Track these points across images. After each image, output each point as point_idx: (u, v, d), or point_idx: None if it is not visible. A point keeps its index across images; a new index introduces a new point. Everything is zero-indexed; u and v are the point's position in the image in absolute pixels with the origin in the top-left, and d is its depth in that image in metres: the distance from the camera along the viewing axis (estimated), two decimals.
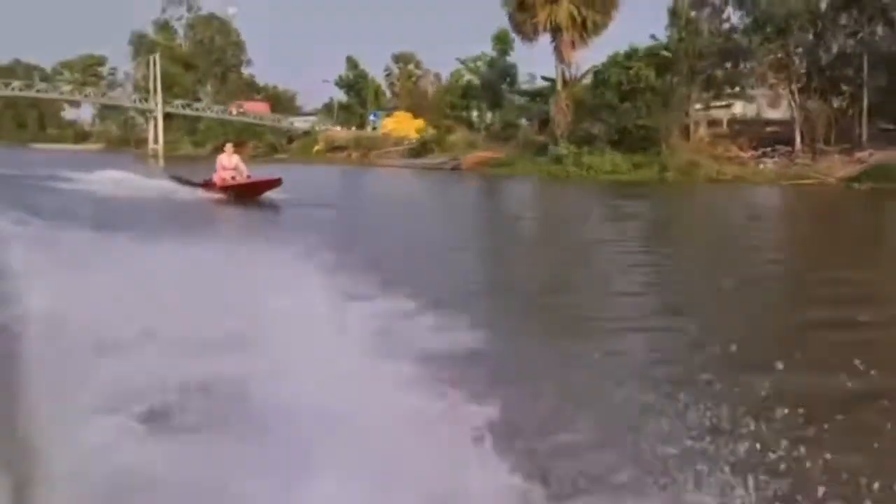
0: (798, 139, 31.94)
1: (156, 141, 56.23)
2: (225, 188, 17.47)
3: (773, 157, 32.55)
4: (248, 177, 17.98)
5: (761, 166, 31.27)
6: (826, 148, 31.19)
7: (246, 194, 17.31)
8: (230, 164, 17.95)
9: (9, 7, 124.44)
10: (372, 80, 67.39)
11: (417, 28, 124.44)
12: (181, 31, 70.52)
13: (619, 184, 28.93)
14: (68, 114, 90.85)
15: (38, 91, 65.26)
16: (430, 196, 24.78)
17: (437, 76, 69.52)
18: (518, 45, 41.55)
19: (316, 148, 51.59)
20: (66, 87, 69.96)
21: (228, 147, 18.74)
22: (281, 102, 75.56)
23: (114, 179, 19.00)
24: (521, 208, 21.20)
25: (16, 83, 62.55)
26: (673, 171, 29.70)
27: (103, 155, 50.66)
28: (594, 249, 11.90)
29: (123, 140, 70.02)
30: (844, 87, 31.13)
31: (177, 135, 61.62)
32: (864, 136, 29.95)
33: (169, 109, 57.13)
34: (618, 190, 26.27)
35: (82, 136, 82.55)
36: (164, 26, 70.00)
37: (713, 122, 36.98)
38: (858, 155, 29.34)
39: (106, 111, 79.60)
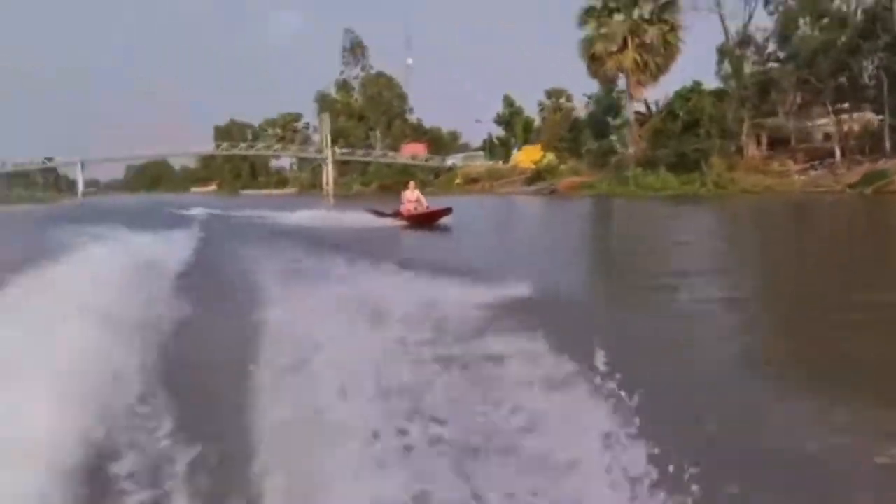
0: (838, 152, 37.58)
1: (327, 183, 70.95)
2: (410, 217, 21.44)
3: (817, 169, 38.34)
4: (427, 207, 21.85)
5: (796, 177, 37.34)
6: (861, 158, 36.61)
7: (426, 221, 21.17)
8: (413, 198, 22.00)
9: (224, 75, 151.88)
10: (525, 117, 77.68)
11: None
12: (356, 88, 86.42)
13: (664, 198, 36.62)
14: (275, 163, 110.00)
15: (237, 149, 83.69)
16: (495, 211, 34.48)
17: None
18: None
19: (456, 181, 62.73)
20: (263, 144, 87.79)
21: (412, 184, 23.33)
22: (444, 142, 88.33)
23: (326, 216, 23.82)
24: (549, 214, 30.36)
25: (224, 144, 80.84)
26: (710, 185, 36.78)
27: (294, 197, 65.15)
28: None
29: (312, 184, 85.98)
30: (869, 106, 36.41)
31: (351, 177, 76.35)
32: (888, 147, 35.17)
33: (338, 157, 71.72)
34: (652, 202, 34.23)
35: (283, 182, 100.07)
36: (343, 85, 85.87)
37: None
38: (879, 163, 34.72)
39: (302, 160, 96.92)
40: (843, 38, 35.53)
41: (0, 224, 33.46)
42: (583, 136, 53.32)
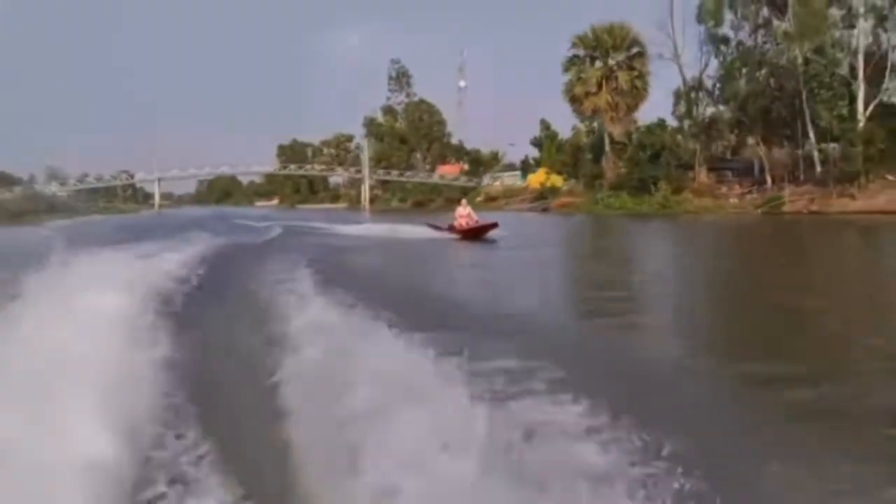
0: (769, 179, 46.41)
1: (364, 199, 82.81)
2: (462, 230, 24.13)
3: (753, 193, 47.19)
4: (476, 221, 24.64)
5: (731, 200, 46.36)
6: (784, 185, 45.38)
7: (476, 234, 23.94)
8: (465, 213, 24.80)
9: (288, 98, 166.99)
10: (559, 139, 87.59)
11: None
12: (401, 113, 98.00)
13: (621, 215, 46.07)
14: (332, 180, 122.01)
15: (287, 169, 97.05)
16: None
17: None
18: None
19: (478, 199, 73.01)
20: (309, 165, 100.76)
21: (464, 202, 26.52)
22: (483, 162, 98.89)
23: (389, 228, 27.36)
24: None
25: (277, 165, 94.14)
26: (655, 205, 46.14)
27: (342, 211, 76.45)
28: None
29: (358, 199, 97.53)
30: (786, 143, 45.28)
31: (392, 193, 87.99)
32: (801, 175, 43.94)
33: (375, 177, 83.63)
34: (612, 219, 43.79)
35: (336, 198, 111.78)
36: (388, 110, 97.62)
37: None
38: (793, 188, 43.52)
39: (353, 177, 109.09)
40: (770, 86, 44.59)
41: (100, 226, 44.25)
42: (581, 160, 63.10)
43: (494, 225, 24.42)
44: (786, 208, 40.18)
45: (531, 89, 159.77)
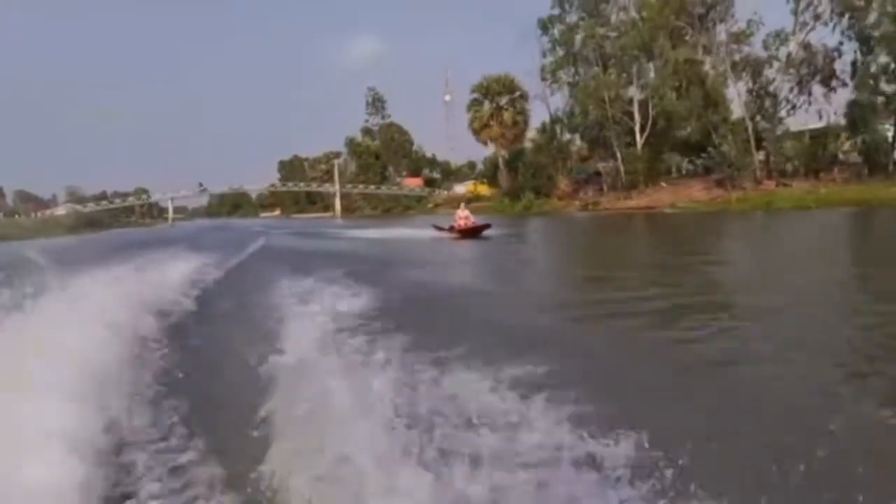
0: (605, 187, 68.69)
1: (336, 208, 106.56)
2: (461, 230, 27.87)
3: (595, 197, 69.54)
4: (474, 223, 28.31)
5: (577, 203, 68.79)
6: (615, 192, 67.67)
7: (473, 234, 27.70)
8: (463, 215, 28.52)
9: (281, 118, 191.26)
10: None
11: None
12: (377, 134, 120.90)
13: (500, 215, 68.41)
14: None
15: (274, 186, 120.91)
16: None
17: None
18: None
19: (429, 205, 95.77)
20: (293, 181, 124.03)
21: (462, 205, 30.44)
22: (450, 172, 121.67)
23: (403, 231, 33.85)
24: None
25: (275, 182, 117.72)
26: (520, 208, 68.62)
27: (326, 219, 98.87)
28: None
29: (345, 208, 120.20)
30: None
31: (364, 203, 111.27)
32: (620, 184, 66.28)
33: (343, 190, 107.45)
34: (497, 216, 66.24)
35: (326, 208, 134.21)
36: (366, 131, 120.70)
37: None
38: (613, 193, 65.87)
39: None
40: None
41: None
42: (498, 172, 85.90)
43: (487, 226, 28.66)
44: (591, 207, 62.76)
45: None
